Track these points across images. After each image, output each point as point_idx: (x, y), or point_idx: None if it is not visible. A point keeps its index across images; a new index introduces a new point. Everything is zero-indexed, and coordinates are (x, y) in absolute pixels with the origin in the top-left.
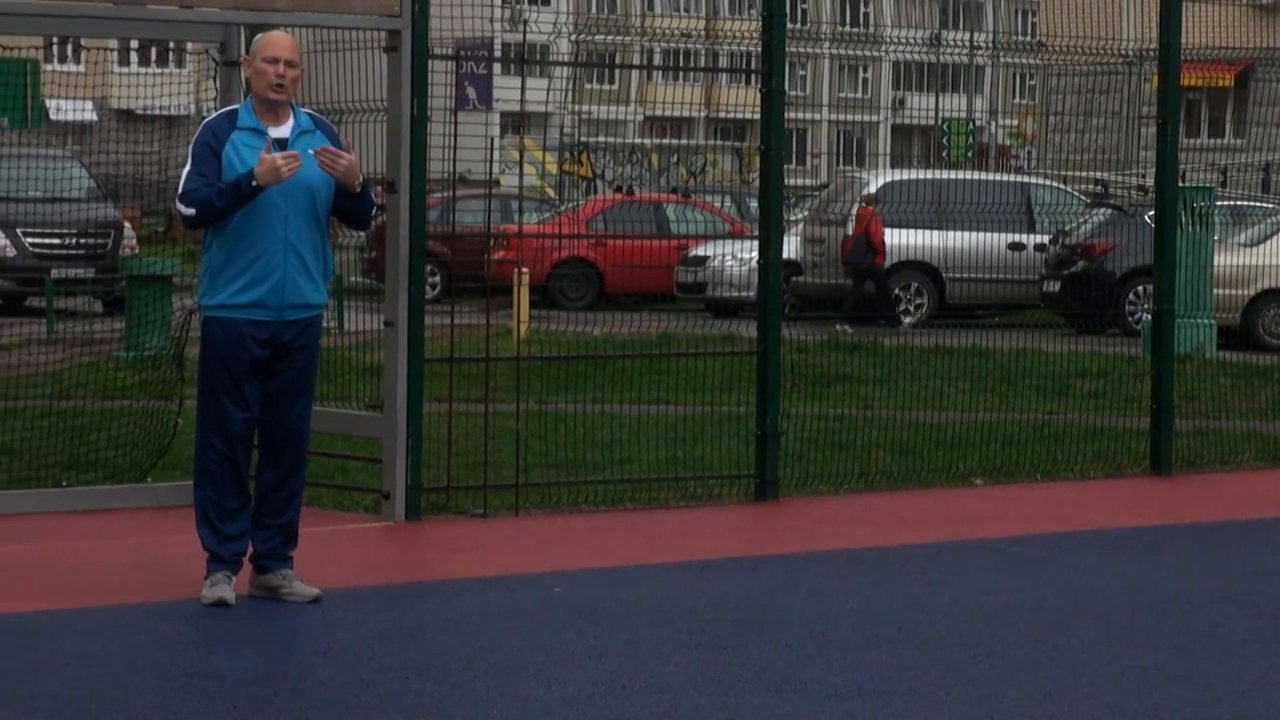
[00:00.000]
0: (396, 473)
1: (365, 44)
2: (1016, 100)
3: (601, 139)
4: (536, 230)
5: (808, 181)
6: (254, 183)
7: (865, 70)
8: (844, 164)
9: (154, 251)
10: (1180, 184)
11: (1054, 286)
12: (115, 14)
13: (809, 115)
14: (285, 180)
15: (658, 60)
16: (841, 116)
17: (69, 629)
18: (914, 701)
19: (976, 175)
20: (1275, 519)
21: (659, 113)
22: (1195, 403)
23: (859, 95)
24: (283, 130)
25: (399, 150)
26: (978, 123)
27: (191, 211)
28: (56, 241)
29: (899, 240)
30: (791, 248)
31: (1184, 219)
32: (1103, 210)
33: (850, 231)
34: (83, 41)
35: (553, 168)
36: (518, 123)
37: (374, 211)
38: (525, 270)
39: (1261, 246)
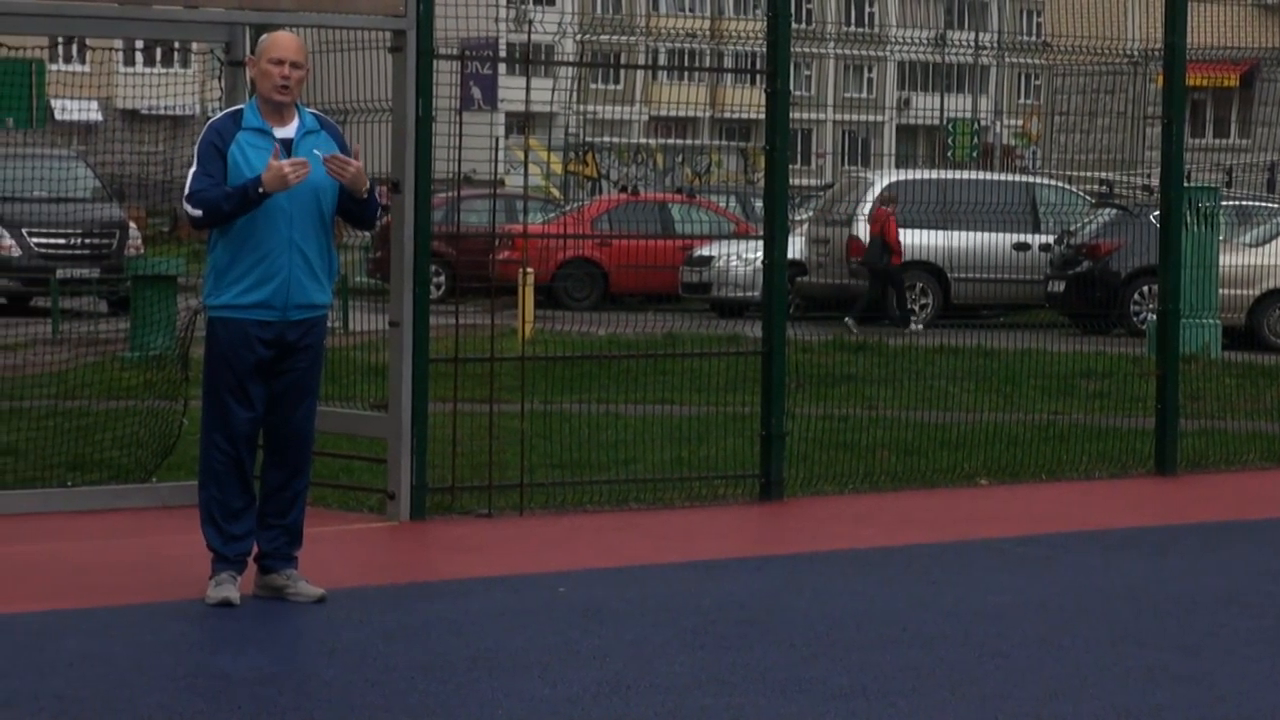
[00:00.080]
0: (401, 473)
1: (370, 44)
2: (1021, 100)
3: (606, 139)
4: (541, 230)
5: (813, 182)
6: (260, 189)
7: (870, 70)
8: (849, 164)
9: (159, 251)
10: (1185, 184)
11: (1059, 287)
12: (120, 14)
13: (814, 115)
14: (292, 187)
15: (663, 60)
16: (846, 116)
17: (74, 629)
18: (918, 702)
19: (981, 175)
20: None
21: (664, 113)
22: (1200, 403)
23: (864, 95)
24: (288, 130)
25: (404, 150)
26: (983, 123)
27: (199, 213)
28: (62, 241)
29: (904, 240)
30: (796, 248)
31: (1189, 219)
32: (1108, 210)
33: (854, 232)
34: (88, 41)
35: (558, 168)
36: (523, 123)
37: (379, 213)
38: (530, 270)
39: (1267, 246)
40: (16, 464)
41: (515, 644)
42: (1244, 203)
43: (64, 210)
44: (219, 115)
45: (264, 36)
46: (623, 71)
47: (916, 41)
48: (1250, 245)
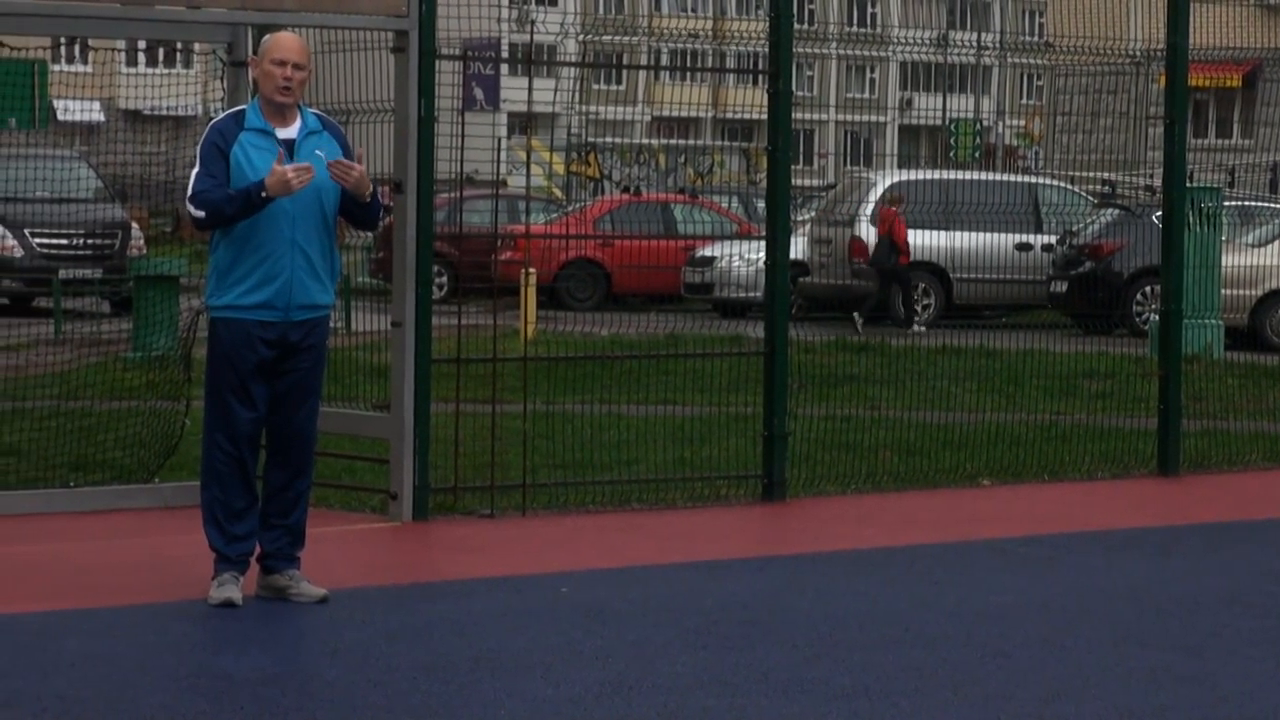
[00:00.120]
0: (404, 473)
1: (372, 44)
2: (1024, 100)
3: (609, 139)
4: (544, 231)
5: (815, 182)
6: (264, 194)
7: (872, 71)
8: (851, 164)
9: (161, 252)
10: (1188, 184)
11: (1061, 287)
12: (123, 14)
13: (816, 116)
14: (295, 193)
15: (665, 61)
16: (849, 117)
17: (76, 629)
18: (921, 702)
19: (984, 176)
20: None
21: (666, 113)
22: (1203, 403)
23: (866, 96)
24: (290, 131)
25: (406, 151)
26: (985, 123)
27: (201, 214)
28: (64, 242)
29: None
30: (799, 248)
31: (1191, 219)
32: (1110, 211)
33: (856, 232)
34: (90, 42)
35: (560, 168)
36: (525, 123)
37: (381, 214)
38: (532, 271)
39: (1269, 247)
40: (19, 464)
41: (518, 644)
42: (1246, 203)
43: (66, 211)
44: (221, 116)
45: (266, 37)
46: (625, 72)
47: (918, 42)
48: (1252, 246)
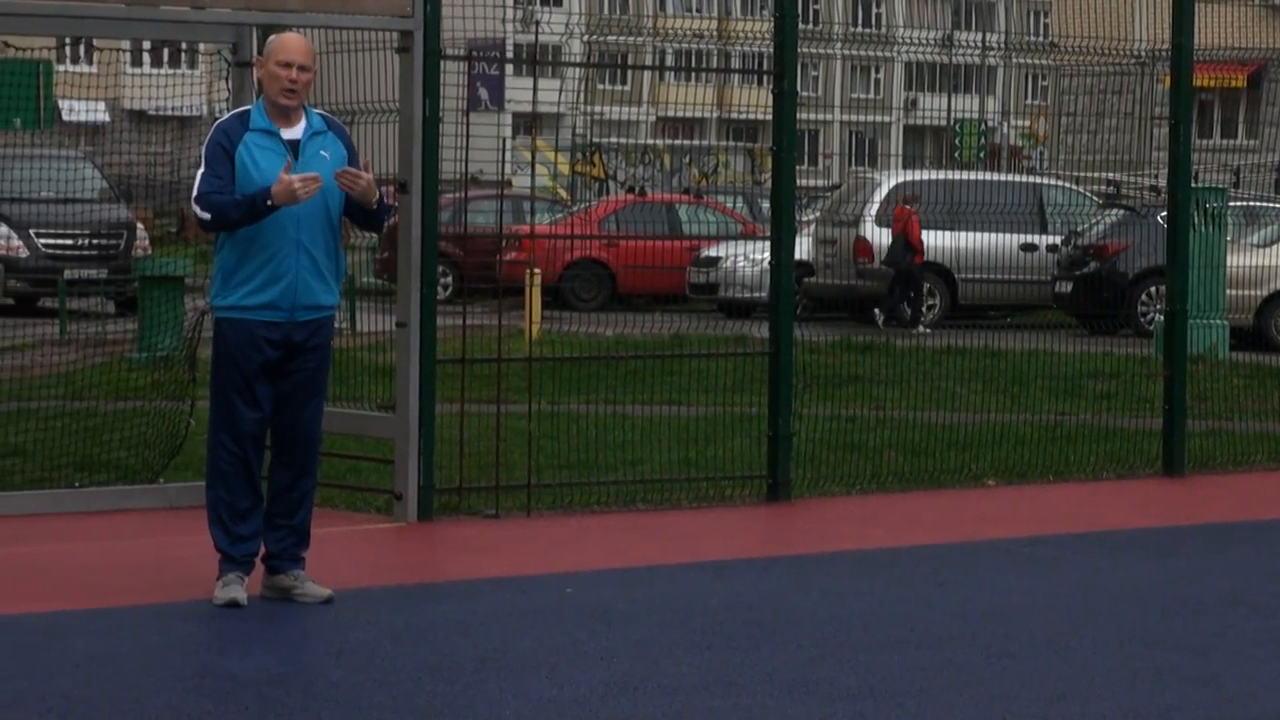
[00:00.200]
0: (408, 473)
1: (377, 45)
2: (1028, 101)
3: (614, 140)
4: (549, 231)
5: (820, 182)
6: (269, 202)
7: (877, 71)
8: (856, 165)
9: (166, 252)
10: (1193, 185)
11: (1066, 287)
12: (128, 15)
13: (821, 116)
14: (301, 203)
15: (670, 61)
16: (853, 117)
17: (81, 629)
18: (926, 702)
19: (988, 176)
20: None
21: (671, 113)
22: (1208, 403)
23: (871, 96)
24: (295, 132)
25: (411, 151)
26: (990, 123)
27: (207, 216)
28: (69, 242)
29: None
30: (803, 249)
31: (1196, 220)
32: (1115, 211)
33: (861, 233)
34: (95, 42)
35: (565, 168)
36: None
37: (387, 216)
38: (537, 271)
39: (1274, 247)
40: (24, 465)
41: (523, 645)
42: (1251, 203)
43: (71, 211)
44: (226, 116)
45: (272, 38)
46: (630, 72)
47: (923, 42)
48: (1258, 246)
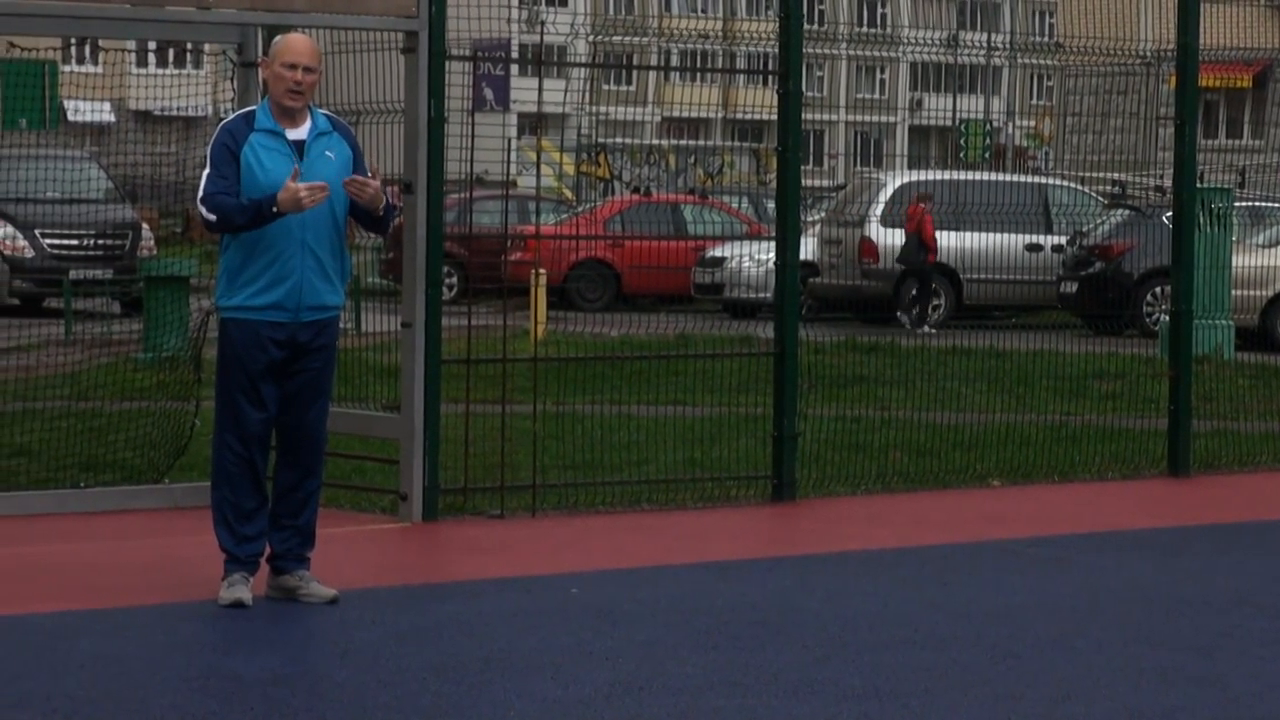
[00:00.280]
0: (413, 474)
1: (382, 45)
2: (1034, 101)
3: (619, 140)
4: (554, 231)
5: (825, 182)
6: (274, 208)
7: (882, 71)
8: (861, 165)
9: (171, 252)
10: (1198, 185)
11: (1071, 287)
12: (133, 15)
13: (826, 116)
14: (306, 210)
15: (675, 61)
16: (859, 117)
17: (87, 630)
18: (931, 703)
19: (994, 176)
20: None
21: (676, 114)
22: (1213, 404)
23: (876, 96)
24: (300, 132)
25: (416, 151)
26: (995, 124)
27: (213, 218)
28: (74, 242)
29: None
30: (808, 249)
31: (1202, 220)
32: (1120, 211)
33: (866, 233)
34: (100, 43)
35: (570, 169)
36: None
37: (393, 219)
38: (542, 271)
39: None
40: (30, 465)
41: (528, 645)
42: (1257, 204)
43: (77, 211)
44: (231, 116)
45: (277, 39)
46: (635, 72)
47: (928, 42)
48: (1263, 246)
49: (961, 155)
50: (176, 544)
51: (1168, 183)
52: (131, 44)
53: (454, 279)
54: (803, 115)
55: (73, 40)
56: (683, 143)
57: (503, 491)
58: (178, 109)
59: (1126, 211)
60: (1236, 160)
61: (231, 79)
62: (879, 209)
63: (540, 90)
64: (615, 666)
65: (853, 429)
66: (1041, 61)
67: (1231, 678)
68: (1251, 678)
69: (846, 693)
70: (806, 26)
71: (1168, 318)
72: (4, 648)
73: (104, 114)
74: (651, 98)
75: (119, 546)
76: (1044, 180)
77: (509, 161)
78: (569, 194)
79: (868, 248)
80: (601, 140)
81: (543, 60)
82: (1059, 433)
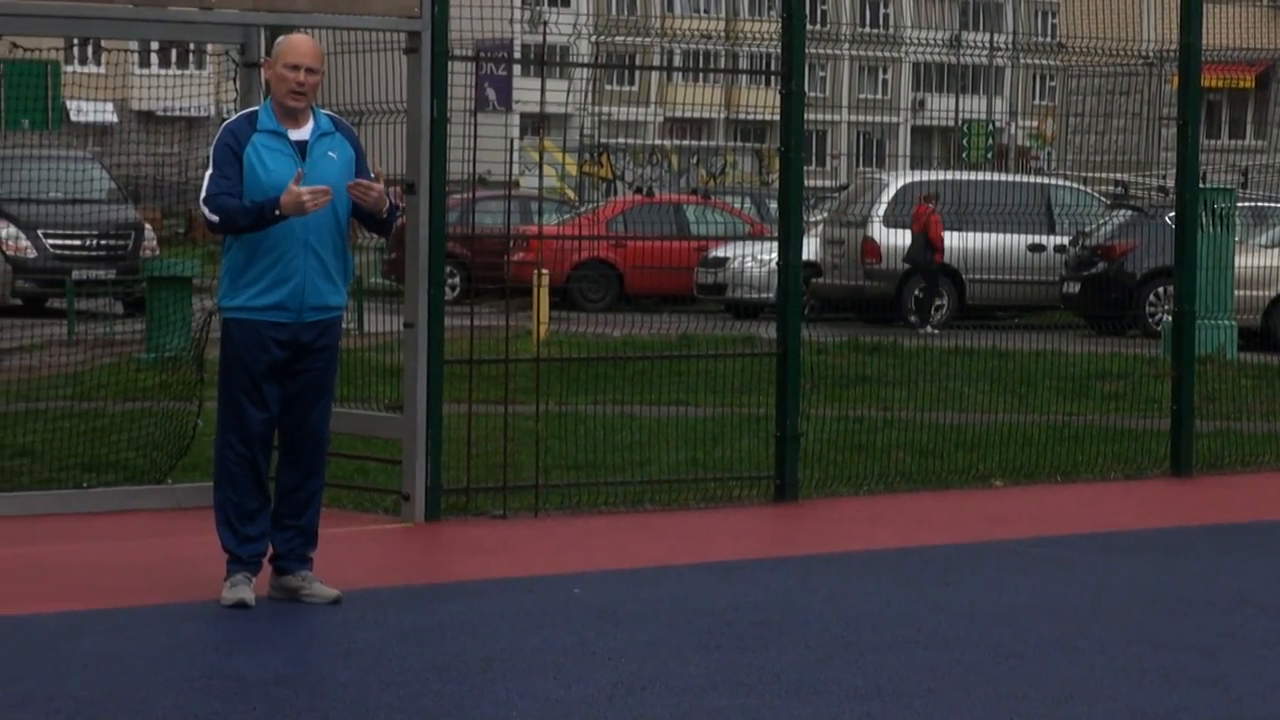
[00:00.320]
0: (416, 474)
1: (385, 45)
2: (1036, 101)
3: (621, 140)
4: (556, 231)
5: (827, 183)
6: (277, 211)
7: (885, 71)
8: (864, 165)
9: (174, 253)
10: (1201, 185)
11: (1074, 288)
12: (135, 15)
13: (829, 116)
14: (309, 214)
15: (677, 62)
16: (861, 118)
17: (89, 630)
18: (934, 703)
19: (996, 177)
20: None
21: (679, 114)
22: (1216, 404)
23: (879, 96)
24: (303, 133)
25: (418, 152)
26: (997, 124)
27: (215, 219)
28: (77, 243)
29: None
30: (811, 249)
31: (1205, 220)
32: (1123, 211)
33: (869, 233)
34: (103, 43)
35: (572, 169)
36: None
37: (396, 220)
38: (545, 271)
39: None
40: (32, 465)
41: (530, 645)
42: (1260, 204)
43: (79, 212)
44: (234, 117)
45: (280, 39)
46: (638, 73)
47: (931, 43)
48: (1266, 246)
49: (964, 155)
50: (179, 544)
51: (1170, 183)
52: (134, 44)
53: (456, 279)
54: (805, 115)
55: (75, 40)
56: (685, 143)
57: (505, 492)
58: (180, 109)
59: (1129, 212)
60: (1239, 160)
61: (234, 79)
62: (881, 209)
63: (543, 90)
64: (618, 667)
65: (855, 429)
66: (1044, 62)
67: (1234, 678)
68: (1254, 678)
69: (849, 693)
70: (809, 27)
71: (1170, 318)
72: (7, 648)
73: (107, 114)
74: (654, 98)
75: (121, 547)
76: (1046, 180)
77: (511, 162)
78: (571, 194)
79: (870, 248)
80: (604, 140)
81: (545, 60)
82: (1061, 433)
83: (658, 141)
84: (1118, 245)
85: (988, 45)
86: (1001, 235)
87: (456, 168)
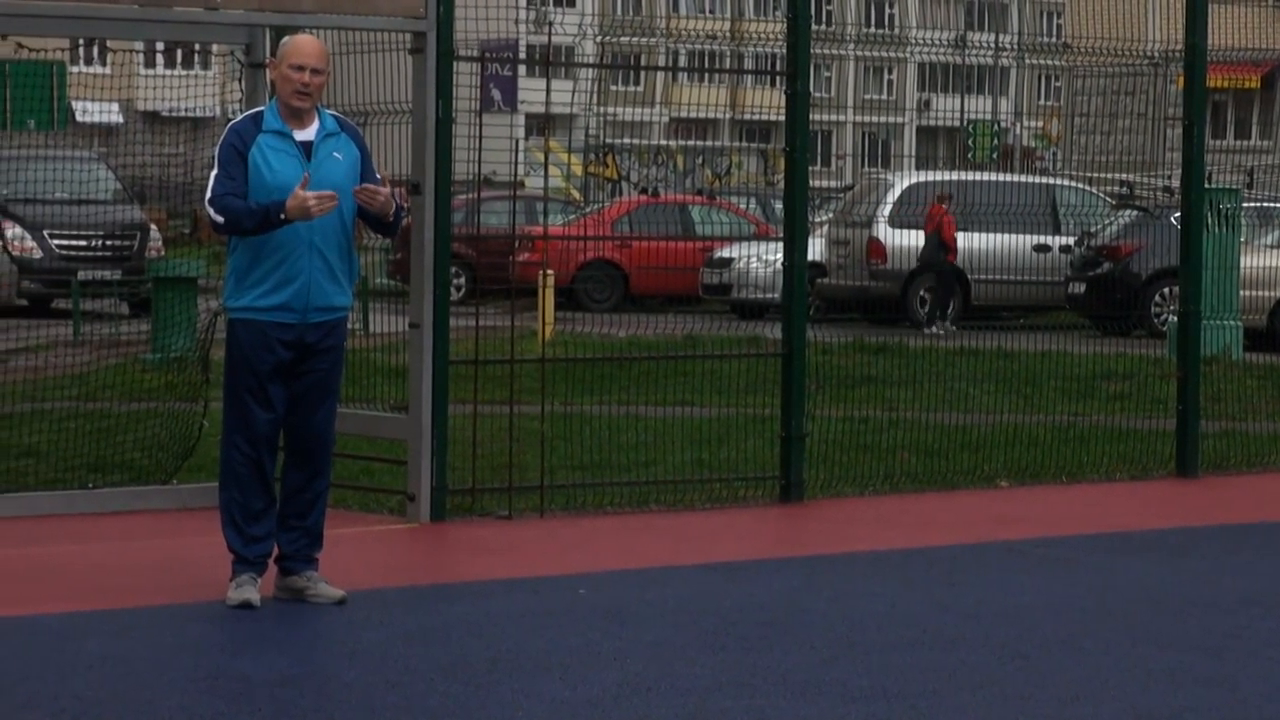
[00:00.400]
0: (421, 474)
1: (390, 46)
2: (1041, 102)
3: (627, 140)
4: (562, 232)
5: (832, 183)
6: (282, 215)
7: (890, 72)
8: (869, 166)
9: (179, 253)
10: (1206, 185)
11: (1079, 288)
12: (141, 16)
13: (834, 117)
14: (314, 219)
15: (683, 62)
16: (866, 118)
17: (95, 630)
18: (939, 703)
19: (1001, 177)
20: None
21: (684, 114)
22: (1221, 404)
23: (884, 97)
24: (308, 133)
25: (424, 152)
26: (1003, 124)
27: (221, 219)
28: (83, 243)
29: (923, 242)
30: (816, 249)
31: (1210, 220)
32: (1128, 212)
33: (874, 234)
34: (108, 43)
35: (578, 169)
36: (543, 124)
37: (401, 221)
38: (550, 272)
39: None
40: (38, 465)
41: (536, 645)
42: (1265, 204)
43: (85, 212)
44: (239, 117)
45: (285, 40)
46: (643, 73)
47: (936, 43)
48: (1272, 247)
49: (969, 156)
50: (184, 545)
51: (1176, 183)
52: (139, 45)
53: (462, 280)
54: (810, 116)
55: (80, 41)
56: (690, 143)
57: (511, 492)
58: (186, 110)
59: (1134, 212)
60: (1245, 161)
61: (239, 80)
62: (886, 210)
63: (548, 91)
64: (623, 667)
65: (860, 430)
66: (1049, 62)
67: (1240, 678)
68: (1260, 678)
69: (854, 693)
70: (814, 27)
71: (1176, 318)
72: (11, 648)
73: (112, 115)
74: (659, 98)
75: (127, 547)
76: (1052, 181)
77: (517, 162)
78: (577, 195)
79: (875, 248)
80: (609, 141)
81: (550, 61)
82: (1067, 433)
83: (663, 142)
84: (1123, 245)
85: (993, 45)
86: (1007, 235)
87: (462, 168)
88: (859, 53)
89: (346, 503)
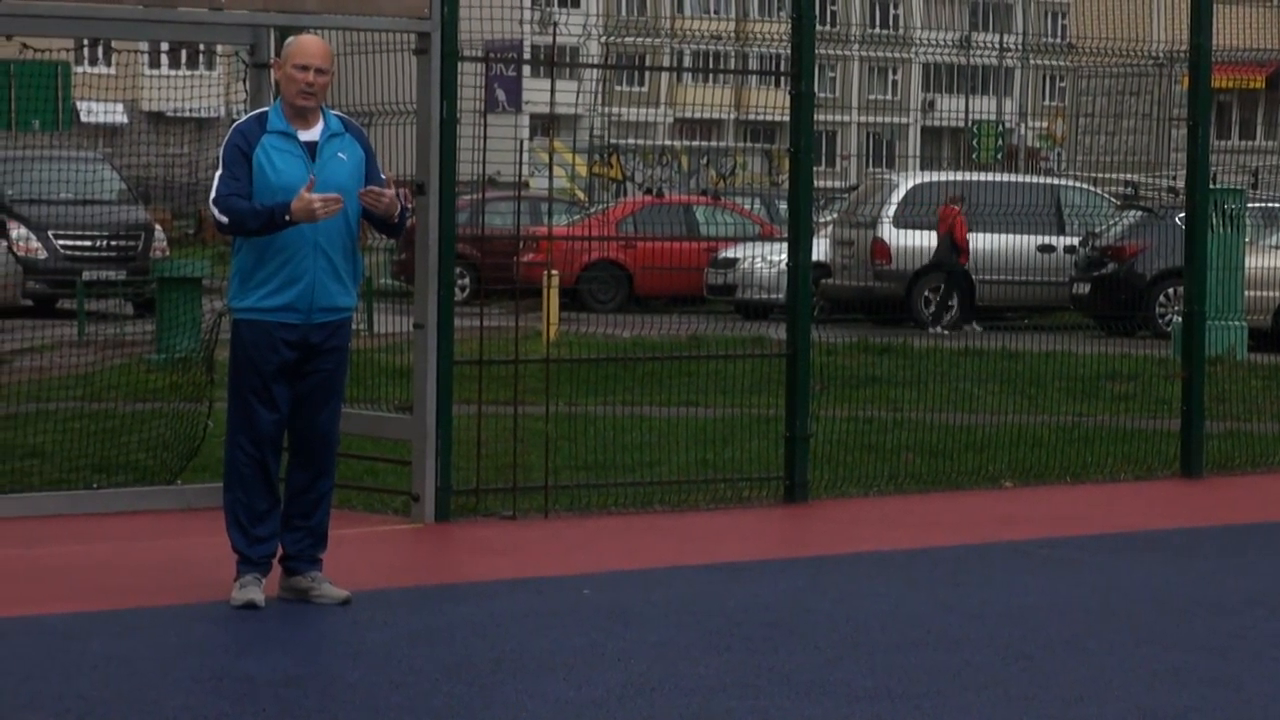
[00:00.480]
0: (426, 475)
1: (395, 46)
2: (1046, 102)
3: (631, 141)
4: (566, 232)
5: (837, 184)
6: (287, 216)
7: (895, 72)
8: (873, 166)
9: (184, 254)
10: (1211, 186)
11: (1084, 288)
12: (145, 16)
13: (838, 117)
14: (319, 221)
15: (687, 62)
16: (871, 119)
17: (99, 631)
18: (943, 704)
19: (1006, 177)
20: None
21: (688, 115)
22: (1226, 405)
23: (888, 97)
24: (312, 133)
25: (428, 153)
26: (1007, 125)
27: (225, 220)
28: (87, 244)
29: (928, 243)
30: (821, 250)
31: (1215, 221)
32: (1133, 212)
33: (878, 234)
34: (113, 44)
35: (582, 170)
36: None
37: (406, 222)
38: (555, 272)
39: None
40: (43, 466)
41: (540, 646)
42: (1270, 205)
43: (89, 212)
44: (244, 118)
45: (289, 40)
46: (647, 73)
47: (941, 43)
48: (1276, 247)
49: (974, 156)
50: (189, 545)
51: (1180, 184)
52: (144, 45)
53: (466, 280)
54: (815, 116)
55: (85, 41)
56: (695, 144)
57: (515, 492)
58: (190, 110)
59: (1139, 213)
60: (1249, 161)
61: (244, 80)
62: (891, 210)
63: (553, 91)
64: (627, 667)
65: (865, 430)
66: (1054, 62)
67: (1244, 679)
68: (1265, 679)
69: (859, 694)
70: (819, 27)
71: (1180, 319)
72: (16, 648)
73: (117, 115)
74: (664, 99)
75: (131, 547)
76: (1056, 181)
77: (521, 163)
78: (581, 195)
79: (880, 249)
80: (614, 141)
81: (555, 61)
82: (1071, 434)
83: (667, 142)
84: (1128, 246)
85: (997, 46)
86: (1011, 236)
87: (466, 169)
88: (863, 53)
89: (351, 503)
